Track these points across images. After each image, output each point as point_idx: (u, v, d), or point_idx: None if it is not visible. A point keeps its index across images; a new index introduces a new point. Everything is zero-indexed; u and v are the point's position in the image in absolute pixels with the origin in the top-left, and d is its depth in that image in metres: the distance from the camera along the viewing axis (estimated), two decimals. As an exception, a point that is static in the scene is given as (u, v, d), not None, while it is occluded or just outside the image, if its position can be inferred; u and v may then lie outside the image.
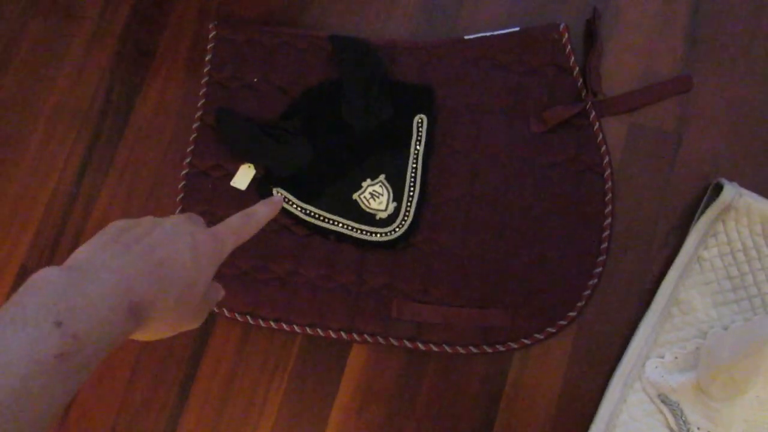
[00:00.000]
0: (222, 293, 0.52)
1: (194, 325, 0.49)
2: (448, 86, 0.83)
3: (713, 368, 0.70)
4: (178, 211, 0.83)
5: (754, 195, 0.76)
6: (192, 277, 0.45)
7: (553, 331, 0.77)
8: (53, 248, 0.85)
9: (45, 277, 0.38)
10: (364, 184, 0.81)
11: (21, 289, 0.38)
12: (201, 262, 0.46)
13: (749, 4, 0.84)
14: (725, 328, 0.74)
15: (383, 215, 0.80)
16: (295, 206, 0.81)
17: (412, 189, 0.80)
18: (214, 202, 0.82)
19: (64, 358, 0.36)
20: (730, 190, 0.75)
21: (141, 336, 0.44)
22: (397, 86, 0.83)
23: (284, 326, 0.79)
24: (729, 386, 0.69)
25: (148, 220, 0.47)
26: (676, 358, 0.74)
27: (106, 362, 0.82)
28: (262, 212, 0.53)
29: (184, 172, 0.84)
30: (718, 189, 0.77)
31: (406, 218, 0.80)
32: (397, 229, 0.79)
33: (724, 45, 0.83)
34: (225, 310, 0.80)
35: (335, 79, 0.84)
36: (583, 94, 0.81)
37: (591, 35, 0.83)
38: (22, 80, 0.90)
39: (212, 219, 0.82)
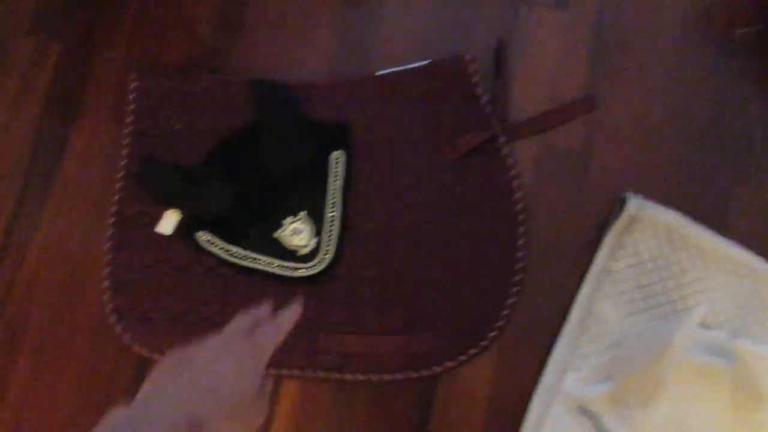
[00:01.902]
0: (270, 381, 0.59)
1: (259, 420, 0.56)
2: (363, 121, 0.86)
3: (627, 377, 0.72)
4: (107, 258, 0.84)
5: (658, 206, 0.79)
6: (241, 391, 0.52)
7: (476, 351, 0.79)
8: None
9: (116, 417, 0.47)
10: (285, 222, 0.83)
11: (96, 429, 0.46)
12: (247, 376, 0.53)
13: (647, 28, 0.88)
14: (638, 337, 0.77)
15: (305, 251, 0.82)
16: (219, 248, 0.83)
17: (332, 223, 0.83)
18: (141, 249, 0.84)
19: None
20: (635, 203, 0.78)
21: None
22: (315, 125, 0.86)
23: (215, 366, 0.81)
24: (642, 393, 0.72)
25: (196, 348, 0.55)
26: (592, 370, 0.76)
27: (41, 417, 0.82)
28: (289, 316, 0.60)
29: (111, 221, 0.86)
30: (624, 203, 0.80)
31: (327, 252, 0.82)
32: (319, 264, 0.82)
33: (625, 66, 0.87)
34: (156, 355, 0.82)
35: (255, 121, 0.86)
36: (492, 120, 0.84)
37: (498, 64, 0.87)
38: (-50, 140, 0.92)
39: (140, 265, 0.83)
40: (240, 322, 0.59)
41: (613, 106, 0.87)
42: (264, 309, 0.61)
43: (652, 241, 0.78)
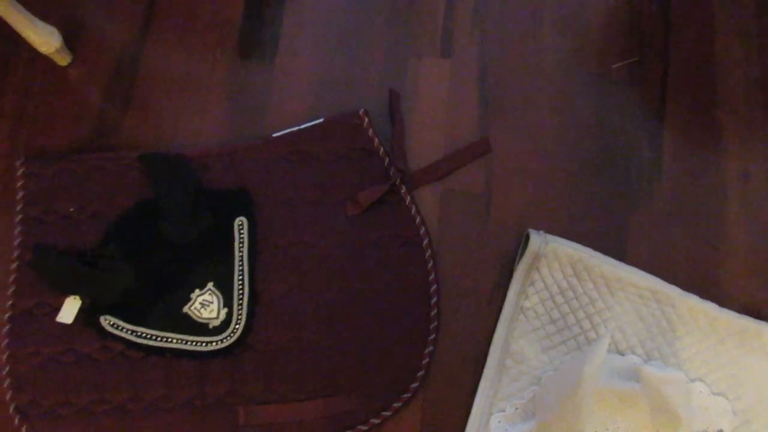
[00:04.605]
0: None
1: None
2: (263, 185, 0.85)
3: (547, 412, 0.73)
4: (5, 355, 0.79)
5: (559, 239, 0.81)
6: None
7: (400, 404, 0.78)
8: None
9: None
10: (193, 295, 0.81)
11: None
12: None
13: (529, 70, 0.92)
14: (555, 370, 0.77)
15: (216, 323, 0.80)
16: (125, 330, 0.80)
17: (240, 292, 0.81)
18: (41, 342, 0.80)
19: None
20: (537, 239, 0.80)
21: None
22: (213, 193, 0.84)
23: (132, 456, 0.77)
24: (566, 427, 0.72)
25: None
26: (516, 409, 0.76)
27: None
28: None
29: (7, 315, 0.81)
30: (528, 239, 0.81)
31: (239, 321, 0.80)
32: (231, 335, 0.79)
33: (513, 104, 0.90)
34: (68, 453, 0.77)
35: (150, 197, 0.84)
36: (391, 171, 0.85)
37: (392, 115, 0.88)
38: None
39: (42, 359, 0.79)
40: None
41: (507, 146, 0.89)
42: None
43: (559, 275, 0.80)
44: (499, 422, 0.76)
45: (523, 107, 0.91)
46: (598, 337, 0.77)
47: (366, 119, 0.87)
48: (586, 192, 0.87)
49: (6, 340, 0.81)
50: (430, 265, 0.82)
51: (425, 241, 0.83)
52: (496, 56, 0.94)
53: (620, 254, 0.82)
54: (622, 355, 0.77)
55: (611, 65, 0.92)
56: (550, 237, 0.81)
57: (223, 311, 0.80)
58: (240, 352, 0.80)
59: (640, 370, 0.69)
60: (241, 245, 0.83)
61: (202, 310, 0.80)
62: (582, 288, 0.80)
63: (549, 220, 0.86)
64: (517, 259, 0.82)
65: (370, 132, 0.87)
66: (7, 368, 0.80)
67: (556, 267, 0.80)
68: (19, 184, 0.87)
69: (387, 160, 0.86)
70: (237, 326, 0.80)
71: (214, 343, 0.79)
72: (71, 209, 0.85)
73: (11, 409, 0.78)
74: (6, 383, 0.79)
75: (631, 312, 0.79)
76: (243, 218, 0.84)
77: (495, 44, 0.94)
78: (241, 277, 0.81)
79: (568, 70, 0.93)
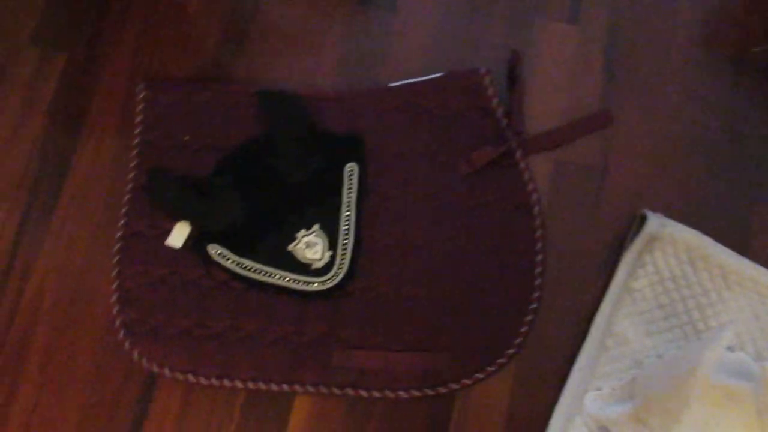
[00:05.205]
0: None
1: None
2: (376, 134, 0.85)
3: (648, 398, 0.71)
4: (115, 272, 0.82)
5: (678, 224, 0.78)
6: None
7: (494, 369, 0.78)
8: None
9: None
10: (299, 235, 0.81)
11: None
12: None
13: (658, 39, 0.88)
14: (659, 357, 0.76)
15: (319, 265, 0.80)
16: (231, 261, 0.81)
17: (346, 237, 0.81)
18: (150, 262, 0.82)
19: None
20: (654, 221, 0.78)
21: None
22: (327, 136, 0.84)
23: (225, 382, 0.79)
24: (665, 415, 0.70)
25: None
26: (613, 389, 0.75)
27: (45, 423, 0.80)
28: None
29: (119, 233, 0.84)
30: (644, 220, 0.79)
31: (341, 266, 0.80)
32: (333, 278, 0.80)
33: (640, 79, 0.87)
34: (166, 371, 0.79)
35: (265, 132, 0.85)
36: (508, 134, 0.83)
37: (512, 77, 0.86)
38: (-47, 149, 0.90)
39: (149, 279, 0.81)
40: None
41: (628, 121, 0.86)
42: None
43: (673, 260, 0.77)
44: (595, 400, 0.75)
45: (650, 83, 0.88)
46: (713, 327, 0.74)
47: (487, 78, 0.85)
48: (707, 179, 0.84)
49: (117, 257, 0.83)
50: (538, 233, 0.81)
51: (536, 209, 0.81)
52: (626, 26, 0.90)
53: (742, 248, 0.79)
54: (731, 350, 0.75)
55: (751, 48, 0.87)
56: (668, 221, 0.78)
57: (327, 254, 0.81)
58: (339, 297, 0.80)
59: (762, 366, 0.66)
60: (349, 191, 0.82)
61: (307, 251, 0.81)
62: (696, 277, 0.77)
63: (665, 204, 0.83)
64: (628, 239, 0.80)
65: (490, 91, 0.85)
66: (116, 284, 0.82)
67: (671, 252, 0.78)
68: (138, 108, 0.88)
69: (504, 122, 0.84)
70: (339, 270, 0.80)
71: (315, 284, 0.80)
72: (186, 137, 0.86)
73: (117, 324, 0.81)
74: (113, 298, 0.82)
75: (746, 308, 0.76)
76: (354, 164, 0.83)
77: (626, 13, 0.90)
78: (347, 223, 0.81)
79: (702, 48, 0.89)
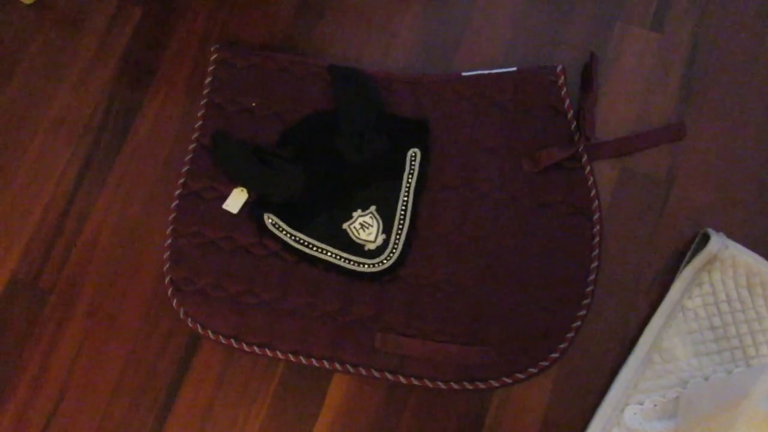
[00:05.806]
0: None
1: None
2: (442, 121, 0.84)
3: (692, 419, 0.70)
4: (170, 229, 0.83)
5: (740, 247, 0.76)
6: None
7: (535, 371, 0.77)
8: (44, 260, 0.86)
9: None
10: (355, 215, 0.81)
11: None
12: None
13: (742, 58, 0.85)
14: (706, 378, 0.74)
15: (372, 246, 0.80)
16: (285, 233, 0.81)
17: (401, 222, 0.81)
18: (205, 224, 0.82)
19: None
20: (717, 241, 0.76)
21: None
22: (393, 119, 0.84)
23: (267, 352, 0.80)
24: (707, 439, 0.69)
25: None
26: (655, 405, 0.74)
27: (88, 377, 0.82)
28: None
29: (177, 192, 0.85)
30: (705, 239, 0.77)
31: (394, 251, 0.80)
32: (384, 261, 0.80)
33: (718, 97, 0.85)
34: (210, 332, 0.80)
35: (332, 108, 0.84)
36: (576, 137, 0.82)
37: (587, 79, 0.84)
38: (24, 90, 0.91)
39: (202, 240, 0.82)
40: None
41: (701, 136, 0.84)
42: None
43: (731, 283, 0.76)
44: (635, 414, 0.74)
45: (728, 101, 0.85)
46: (765, 355, 0.73)
47: (562, 77, 0.84)
48: (775, 204, 0.82)
49: (173, 215, 0.84)
50: (596, 240, 0.80)
51: (596, 216, 0.80)
52: (710, 40, 0.87)
53: (805, 277, 0.77)
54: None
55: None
56: (730, 242, 0.76)
57: (381, 237, 0.81)
58: (388, 281, 0.80)
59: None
60: (410, 176, 0.82)
61: (361, 231, 0.81)
62: (752, 302, 0.75)
63: (728, 225, 0.81)
64: (687, 256, 0.79)
65: (564, 91, 0.83)
66: (169, 241, 0.83)
67: (730, 274, 0.76)
68: (209, 69, 0.88)
69: (574, 124, 0.82)
70: (391, 254, 0.80)
71: (366, 266, 0.80)
72: (253, 104, 0.86)
73: (166, 281, 0.82)
74: (166, 255, 0.83)
75: (801, 339, 0.74)
76: (417, 150, 0.83)
77: (712, 27, 0.88)
78: (404, 208, 0.81)
79: (787, 69, 0.86)
